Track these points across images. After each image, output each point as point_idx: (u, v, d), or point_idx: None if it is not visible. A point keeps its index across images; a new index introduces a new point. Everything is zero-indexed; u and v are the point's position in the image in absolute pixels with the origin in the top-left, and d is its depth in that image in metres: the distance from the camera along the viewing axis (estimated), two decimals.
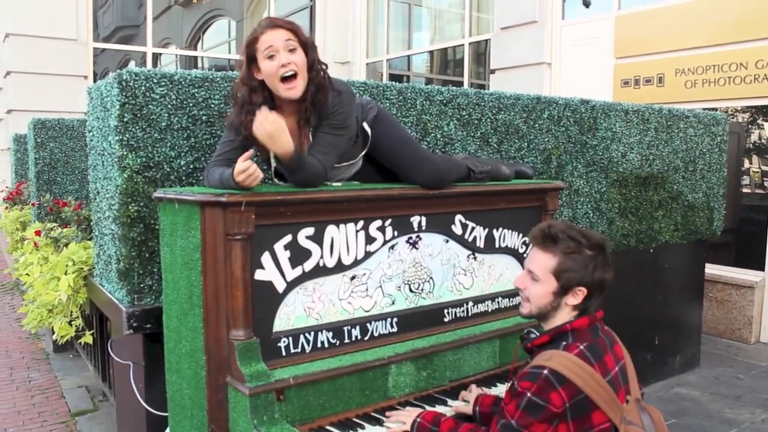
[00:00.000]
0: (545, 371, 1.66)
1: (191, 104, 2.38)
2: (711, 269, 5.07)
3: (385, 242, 2.23)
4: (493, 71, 7.49)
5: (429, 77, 9.71)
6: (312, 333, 2.07)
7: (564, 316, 1.81)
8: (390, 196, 2.24)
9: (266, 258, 1.96)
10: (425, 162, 2.33)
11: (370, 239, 2.18)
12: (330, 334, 2.11)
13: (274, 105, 2.12)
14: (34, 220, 4.89)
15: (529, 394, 1.66)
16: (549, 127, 3.49)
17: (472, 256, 2.50)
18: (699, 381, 4.39)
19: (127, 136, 2.27)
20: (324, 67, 2.13)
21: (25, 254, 3.93)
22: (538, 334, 1.88)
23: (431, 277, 2.38)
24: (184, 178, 2.39)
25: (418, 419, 1.94)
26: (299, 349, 2.04)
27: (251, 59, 2.08)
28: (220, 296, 1.91)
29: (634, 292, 4.10)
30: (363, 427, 2.00)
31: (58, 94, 7.55)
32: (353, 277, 2.16)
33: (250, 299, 1.92)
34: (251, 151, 1.93)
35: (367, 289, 2.20)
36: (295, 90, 2.05)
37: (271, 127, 1.95)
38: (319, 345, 2.08)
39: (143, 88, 2.27)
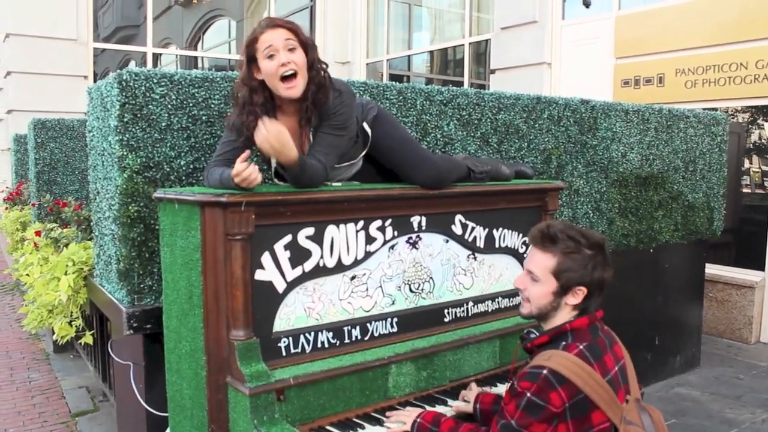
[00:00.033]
0: (544, 371, 1.66)
1: (191, 104, 2.38)
2: (711, 269, 5.07)
3: (385, 242, 2.23)
4: (493, 71, 7.49)
5: (429, 77, 9.72)
6: (312, 333, 2.07)
7: (564, 316, 1.82)
8: (390, 196, 2.24)
9: (266, 258, 1.96)
10: (425, 162, 2.33)
11: (370, 239, 2.18)
12: (330, 334, 2.11)
13: (275, 105, 2.12)
14: (35, 220, 4.89)
15: (528, 394, 1.66)
16: (549, 127, 3.49)
17: (472, 256, 2.50)
18: (699, 381, 4.39)
19: (127, 136, 2.27)
20: (324, 66, 2.12)
21: (25, 254, 3.93)
22: (537, 334, 1.88)
23: (431, 277, 2.38)
24: (184, 178, 2.39)
25: (418, 419, 1.94)
26: (299, 349, 2.04)
27: (251, 59, 2.08)
28: (221, 296, 1.91)
29: (635, 292, 4.10)
30: (363, 427, 2.00)
31: (59, 94, 7.55)
32: (353, 277, 2.16)
33: (250, 299, 1.92)
34: (248, 153, 1.91)
35: (367, 289, 2.20)
36: (294, 89, 2.05)
37: (276, 143, 1.92)
38: (319, 345, 2.08)
39: (143, 88, 2.27)
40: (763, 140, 5.58)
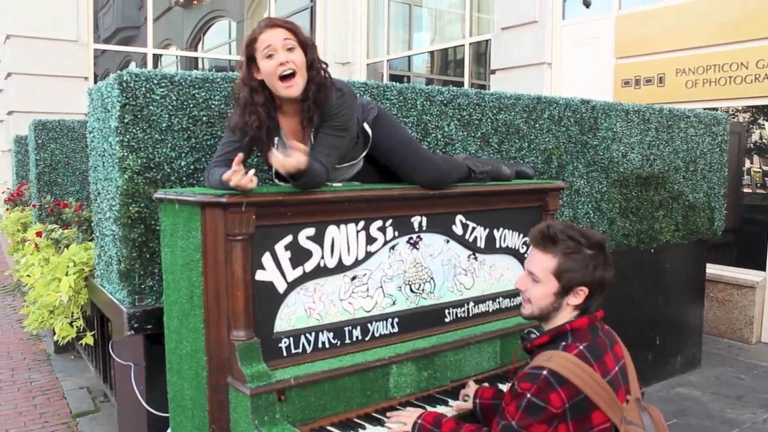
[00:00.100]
0: (544, 372, 1.66)
1: (192, 105, 2.38)
2: (712, 269, 5.07)
3: (386, 242, 2.23)
4: (493, 71, 7.49)
5: (429, 78, 9.72)
6: (313, 333, 2.07)
7: (565, 316, 1.81)
8: (391, 196, 2.24)
9: (267, 258, 1.96)
10: (426, 162, 2.33)
11: (370, 239, 2.19)
12: (331, 335, 2.11)
13: (275, 105, 2.12)
14: (35, 221, 4.89)
15: (528, 395, 1.66)
16: (550, 127, 3.49)
17: (472, 256, 2.50)
18: (700, 381, 4.39)
19: (127, 137, 2.27)
20: (324, 66, 2.12)
21: (26, 255, 3.93)
22: (538, 334, 1.88)
23: (432, 278, 2.38)
24: (184, 178, 2.39)
25: (419, 420, 1.94)
26: (300, 350, 2.04)
27: (251, 59, 2.08)
28: (221, 297, 1.91)
29: (635, 292, 4.10)
30: (364, 428, 2.00)
31: (59, 95, 7.56)
32: (354, 278, 2.17)
33: (251, 300, 1.92)
34: (241, 155, 1.88)
35: (367, 290, 2.20)
36: (293, 88, 2.05)
37: (293, 169, 1.91)
38: (320, 345, 2.08)
39: (144, 89, 2.27)
40: (763, 140, 5.58)
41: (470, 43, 8.36)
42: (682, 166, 4.31)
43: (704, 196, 4.50)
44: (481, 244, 2.51)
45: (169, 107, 2.33)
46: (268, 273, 1.97)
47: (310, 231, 2.05)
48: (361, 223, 2.16)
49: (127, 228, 2.32)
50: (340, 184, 2.25)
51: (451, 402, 2.20)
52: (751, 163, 5.66)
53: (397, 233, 2.25)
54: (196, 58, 10.29)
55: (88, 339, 3.12)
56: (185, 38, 10.14)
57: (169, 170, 2.36)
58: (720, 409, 3.89)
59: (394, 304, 2.27)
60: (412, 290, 2.32)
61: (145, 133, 2.30)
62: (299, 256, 2.03)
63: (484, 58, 8.25)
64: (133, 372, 2.53)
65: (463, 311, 2.48)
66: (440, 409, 2.14)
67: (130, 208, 2.31)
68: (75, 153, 5.06)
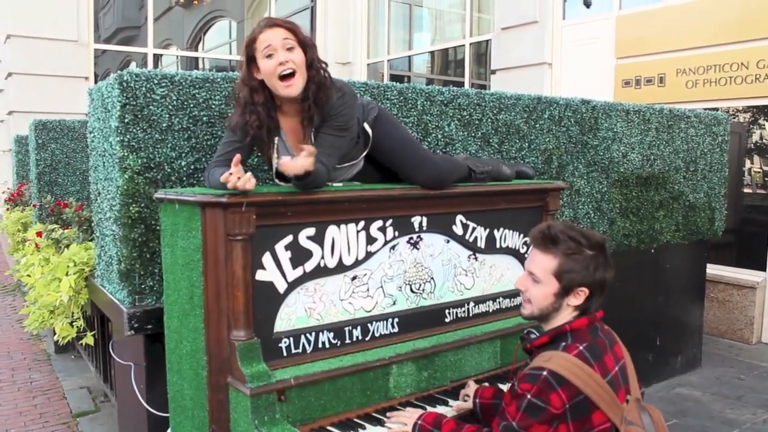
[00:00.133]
0: (544, 372, 1.66)
1: (192, 105, 2.38)
2: (712, 269, 5.07)
3: (386, 242, 2.23)
4: (493, 71, 7.49)
5: (430, 78, 9.72)
6: (313, 333, 2.07)
7: (565, 316, 1.81)
8: (391, 196, 2.24)
9: (267, 258, 1.96)
10: (426, 162, 2.33)
11: (371, 239, 2.19)
12: (331, 335, 2.11)
13: (276, 105, 2.12)
14: (36, 221, 4.89)
15: (529, 396, 1.66)
16: (550, 128, 3.49)
17: (473, 256, 2.50)
18: (700, 381, 4.38)
19: (128, 137, 2.27)
20: (324, 65, 2.12)
21: (26, 255, 3.93)
22: (537, 334, 1.88)
23: (432, 278, 2.38)
24: (185, 178, 2.39)
25: (419, 421, 1.93)
26: (300, 350, 2.04)
27: (251, 59, 2.08)
28: (221, 297, 1.91)
29: (636, 292, 4.10)
30: (364, 428, 2.00)
31: (59, 95, 7.56)
32: (354, 278, 2.16)
33: (251, 300, 1.92)
34: (238, 157, 1.87)
35: (368, 290, 2.20)
36: (293, 88, 2.04)
37: (302, 172, 1.90)
38: (320, 345, 2.08)
39: (144, 89, 2.27)
40: (764, 140, 5.58)
41: (470, 43, 8.36)
42: (683, 166, 4.31)
43: (705, 196, 4.50)
44: (481, 244, 2.51)
45: (170, 107, 2.33)
46: (268, 273, 1.97)
47: (311, 231, 2.05)
48: (362, 223, 2.16)
49: (128, 228, 2.32)
50: (340, 184, 2.25)
51: (451, 402, 2.20)
52: (752, 163, 5.66)
53: (397, 233, 2.25)
54: (197, 58, 10.29)
55: (89, 339, 3.12)
56: (186, 38, 10.14)
57: (169, 170, 2.36)
58: (720, 410, 3.89)
59: (394, 304, 2.27)
60: (412, 290, 2.32)
61: (146, 133, 2.30)
62: (299, 256, 2.03)
63: (484, 58, 8.25)
64: (133, 372, 2.53)
65: (464, 311, 2.48)
66: (440, 409, 2.14)
67: (131, 208, 2.31)
68: (75, 153, 5.06)
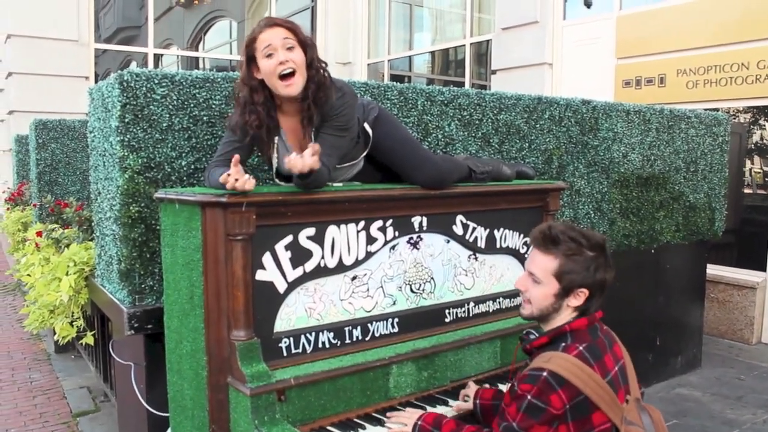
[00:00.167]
0: (544, 373, 1.66)
1: (192, 105, 2.38)
2: (712, 270, 5.07)
3: (386, 242, 2.23)
4: (494, 72, 7.49)
5: (430, 78, 9.72)
6: (313, 333, 2.07)
7: (565, 317, 1.81)
8: (391, 196, 2.24)
9: (267, 258, 1.96)
10: (426, 162, 2.33)
11: (371, 239, 2.18)
12: (331, 335, 2.11)
13: (275, 105, 2.12)
14: (36, 221, 4.89)
15: (529, 397, 1.66)
16: (550, 128, 3.49)
17: (473, 256, 2.50)
18: (700, 382, 4.38)
19: (128, 136, 2.27)
20: (324, 65, 2.12)
21: (26, 255, 3.93)
22: (537, 335, 1.88)
23: (432, 278, 2.38)
24: (185, 178, 2.39)
25: (419, 422, 1.93)
26: (300, 350, 2.04)
27: (251, 59, 2.08)
28: (221, 297, 1.91)
29: (636, 292, 4.10)
30: (364, 428, 2.00)
31: (60, 95, 7.56)
32: (354, 278, 2.16)
33: (251, 300, 1.92)
34: (237, 157, 1.87)
35: (368, 290, 2.20)
36: (293, 87, 2.04)
37: (310, 164, 1.90)
38: (320, 345, 2.08)
39: (144, 88, 2.27)
40: (764, 140, 5.58)
41: (471, 44, 8.36)
42: (683, 166, 4.31)
43: (705, 196, 4.50)
44: (481, 244, 2.51)
45: (170, 107, 2.33)
46: (268, 273, 1.97)
47: (311, 231, 2.05)
48: (362, 223, 2.16)
49: (128, 228, 2.32)
50: (340, 184, 2.25)
51: (451, 402, 2.20)
52: (752, 163, 5.66)
53: (397, 233, 2.25)
54: (197, 58, 10.29)
55: (89, 339, 3.12)
56: (186, 38, 10.14)
57: (169, 170, 2.36)
58: (720, 410, 3.88)
59: (394, 304, 2.27)
60: (412, 290, 2.32)
61: (146, 133, 2.30)
62: (299, 256, 2.03)
63: (484, 58, 8.25)
64: (133, 372, 2.53)
65: (464, 311, 2.48)
66: (440, 409, 2.14)
67: (131, 207, 2.31)
68: (75, 153, 5.07)
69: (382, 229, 2.21)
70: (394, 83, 2.90)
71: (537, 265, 1.82)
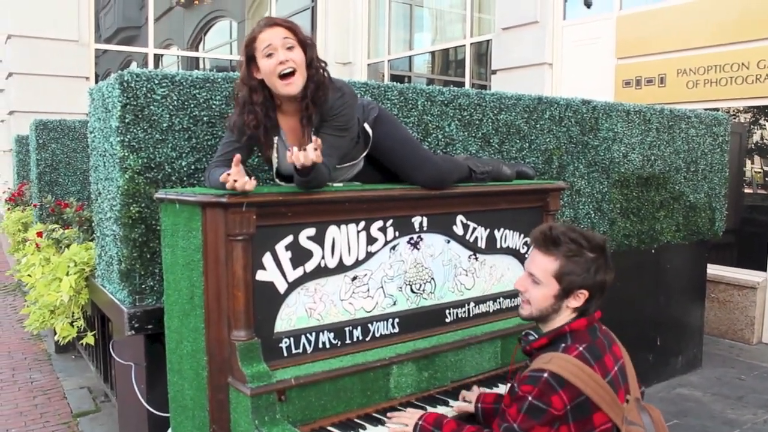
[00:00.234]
0: (545, 374, 1.66)
1: (192, 105, 2.38)
2: (713, 270, 5.07)
3: (387, 243, 2.23)
4: (494, 72, 7.49)
5: (430, 78, 9.72)
6: (313, 333, 2.07)
7: (564, 318, 1.81)
8: (391, 196, 2.24)
9: (267, 258, 1.96)
10: (426, 162, 2.33)
11: (371, 240, 2.18)
12: (331, 335, 2.11)
13: (275, 104, 2.12)
14: (36, 221, 4.89)
15: (530, 398, 1.66)
16: (550, 128, 3.49)
17: (473, 256, 2.50)
18: (701, 382, 4.38)
19: (128, 137, 2.27)
20: (323, 65, 2.12)
21: (26, 255, 3.94)
22: (536, 336, 1.87)
23: (432, 278, 2.38)
24: (185, 178, 2.39)
25: (420, 422, 1.93)
26: (301, 350, 2.04)
27: (250, 59, 2.08)
28: (222, 297, 1.91)
29: (636, 292, 4.09)
30: (364, 428, 2.00)
31: (60, 95, 7.56)
32: (354, 278, 2.16)
33: (252, 300, 1.92)
34: (239, 157, 1.88)
35: (368, 290, 2.20)
36: (292, 86, 2.04)
37: (313, 158, 1.90)
38: (320, 345, 2.08)
39: (144, 89, 2.27)
40: (764, 140, 5.58)
41: (471, 44, 8.36)
42: (683, 166, 4.31)
43: (705, 196, 4.50)
44: (481, 244, 2.51)
45: (170, 107, 2.33)
46: (268, 273, 1.97)
47: (311, 231, 2.05)
48: (362, 224, 2.16)
49: (128, 228, 2.32)
50: (340, 184, 2.25)
51: (451, 402, 2.20)
52: (752, 163, 5.65)
53: (397, 233, 2.25)
54: (197, 58, 10.29)
55: (89, 339, 3.12)
56: (186, 38, 10.14)
57: (169, 170, 2.36)
58: (721, 410, 3.88)
59: (394, 304, 2.27)
60: (412, 290, 2.32)
61: (146, 133, 2.30)
62: (300, 256, 2.03)
63: (485, 58, 8.25)
64: (133, 372, 2.53)
65: (464, 311, 2.48)
66: (440, 409, 2.14)
67: (131, 208, 2.31)
68: (76, 153, 5.07)
69: (383, 230, 2.21)
70: (394, 83, 2.90)
71: (537, 265, 1.82)
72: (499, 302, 2.59)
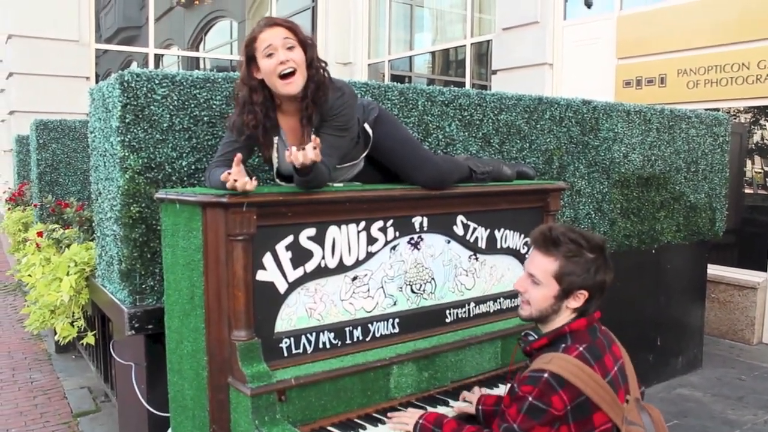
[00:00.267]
0: (545, 375, 1.66)
1: (193, 105, 2.38)
2: (713, 270, 5.07)
3: (387, 243, 2.23)
4: (494, 72, 7.49)
5: (431, 78, 9.71)
6: (313, 333, 2.07)
7: (563, 318, 1.81)
8: (392, 196, 2.24)
9: (268, 259, 1.96)
10: (427, 162, 2.33)
11: (371, 240, 2.18)
12: (332, 335, 2.11)
13: (275, 104, 2.12)
14: (37, 221, 4.89)
15: (530, 398, 1.66)
16: (551, 128, 3.49)
17: (473, 256, 2.49)
18: (701, 382, 4.38)
19: (128, 137, 2.27)
20: (323, 65, 2.12)
21: (27, 255, 3.94)
22: (536, 336, 1.87)
23: (433, 278, 2.38)
24: (185, 178, 2.39)
25: (420, 420, 1.94)
26: (301, 350, 2.04)
27: (251, 59, 2.08)
28: (222, 297, 1.91)
29: (637, 293, 4.09)
30: (364, 428, 2.00)
31: (61, 95, 7.56)
32: (355, 278, 2.16)
33: (252, 300, 1.92)
34: (240, 156, 1.88)
35: (368, 290, 2.20)
36: (292, 85, 2.04)
37: (308, 161, 1.90)
38: (320, 345, 2.08)
39: (145, 89, 2.27)
40: (765, 140, 5.57)
41: (471, 44, 8.36)
42: (684, 166, 4.30)
43: (705, 196, 4.50)
44: (482, 244, 2.51)
45: (171, 107, 2.33)
46: (269, 273, 1.97)
47: (311, 231, 2.05)
48: (362, 224, 2.16)
49: (128, 228, 2.32)
50: (341, 185, 2.25)
51: (451, 402, 2.19)
52: (753, 163, 5.65)
53: (398, 234, 2.25)
54: (198, 58, 10.29)
55: (89, 339, 3.13)
56: (187, 38, 10.14)
57: (170, 170, 2.36)
58: (721, 410, 3.88)
59: (395, 304, 2.27)
60: (413, 291, 2.32)
61: (147, 133, 2.30)
62: (300, 256, 2.03)
63: (485, 58, 8.25)
64: (133, 372, 2.53)
65: (464, 312, 2.48)
66: (441, 409, 2.14)
67: (131, 208, 2.31)
68: (76, 153, 5.07)
69: (383, 230, 2.21)
70: (395, 83, 2.90)
71: (537, 266, 1.82)
72: (500, 302, 2.59)
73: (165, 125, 2.33)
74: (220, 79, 2.43)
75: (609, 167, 3.82)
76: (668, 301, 4.35)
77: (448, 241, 2.41)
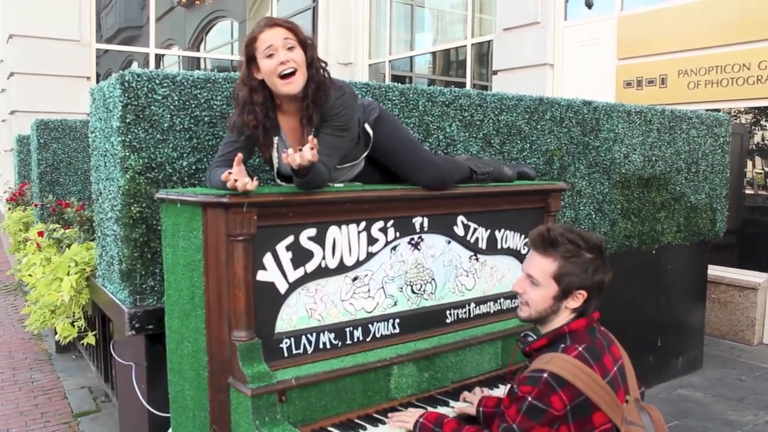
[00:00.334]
0: (545, 375, 1.66)
1: (193, 105, 2.38)
2: (714, 270, 5.06)
3: (387, 243, 2.23)
4: (495, 72, 7.49)
5: (431, 78, 9.72)
6: (314, 334, 2.07)
7: (563, 318, 1.81)
8: (392, 197, 2.24)
9: (268, 259, 1.96)
10: (427, 163, 2.33)
11: (372, 240, 2.19)
12: (332, 335, 2.11)
13: (275, 104, 2.12)
14: (37, 221, 4.90)
15: (529, 398, 1.66)
16: (551, 128, 3.49)
17: (474, 257, 2.50)
18: (702, 383, 4.38)
19: (129, 137, 2.27)
20: (324, 65, 2.13)
21: (27, 255, 3.94)
22: (535, 337, 1.87)
23: (433, 278, 2.38)
24: (186, 179, 2.39)
25: (421, 419, 1.94)
26: (301, 350, 2.05)
27: (251, 59, 2.08)
28: (222, 297, 1.91)
29: (637, 293, 4.09)
30: (365, 428, 2.00)
31: (61, 95, 7.56)
32: (355, 278, 2.17)
33: (252, 300, 1.92)
34: (240, 156, 1.88)
35: (369, 290, 2.20)
36: (293, 85, 2.05)
37: (307, 163, 1.90)
38: (321, 346, 2.09)
39: (145, 89, 2.27)
40: (765, 141, 5.57)
41: (472, 44, 8.36)
42: (684, 167, 4.30)
43: (706, 197, 4.49)
44: (482, 245, 2.51)
45: (171, 107, 2.33)
46: (269, 273, 1.97)
47: (312, 231, 2.05)
48: (363, 224, 2.16)
49: (129, 228, 2.32)
50: (341, 185, 2.25)
51: (452, 403, 2.20)
52: (753, 164, 5.65)
53: (398, 234, 2.25)
54: (198, 58, 10.29)
55: (90, 339, 3.13)
56: (187, 38, 10.14)
57: (170, 170, 2.36)
58: (721, 411, 3.88)
59: (395, 304, 2.27)
60: (413, 291, 2.32)
61: (147, 133, 2.30)
62: (300, 256, 2.03)
63: (486, 58, 8.25)
64: (134, 372, 2.53)
65: (465, 312, 2.48)
66: (441, 409, 2.14)
67: (132, 208, 2.31)
68: (77, 153, 5.07)
69: (383, 230, 2.21)
70: (396, 84, 2.90)
71: (535, 267, 1.82)
72: (500, 303, 2.59)
73: (166, 125, 2.33)
74: (220, 80, 2.43)
75: (609, 168, 3.82)
76: (669, 301, 4.35)
77: (449, 242, 2.41)
